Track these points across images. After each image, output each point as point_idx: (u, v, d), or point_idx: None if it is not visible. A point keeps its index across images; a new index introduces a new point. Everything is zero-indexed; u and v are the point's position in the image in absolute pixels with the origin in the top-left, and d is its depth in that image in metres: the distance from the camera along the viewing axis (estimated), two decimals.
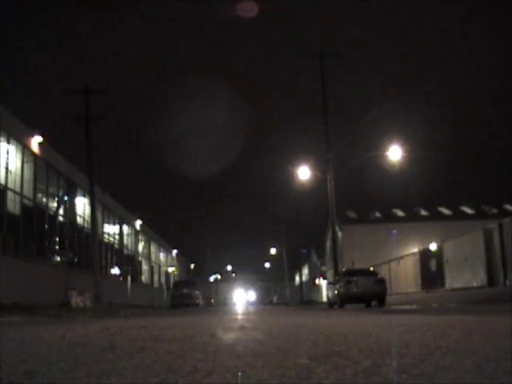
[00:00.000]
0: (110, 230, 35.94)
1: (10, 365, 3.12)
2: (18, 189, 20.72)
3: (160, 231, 50.97)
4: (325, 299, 34.70)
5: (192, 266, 77.46)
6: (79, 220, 28.41)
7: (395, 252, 32.87)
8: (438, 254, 23.84)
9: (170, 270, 56.91)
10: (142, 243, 45.77)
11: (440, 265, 23.44)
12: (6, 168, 19.87)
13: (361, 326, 7.04)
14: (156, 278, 50.06)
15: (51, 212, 24.53)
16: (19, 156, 21.19)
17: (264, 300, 77.88)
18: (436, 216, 45.54)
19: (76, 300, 23.64)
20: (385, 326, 6.67)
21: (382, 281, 21.63)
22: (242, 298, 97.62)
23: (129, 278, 36.15)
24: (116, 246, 36.68)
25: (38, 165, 22.66)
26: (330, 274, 39.97)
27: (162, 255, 54.29)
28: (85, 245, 27.84)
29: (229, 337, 5.40)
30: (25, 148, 21.53)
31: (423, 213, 46.63)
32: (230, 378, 2.55)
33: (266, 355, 3.34)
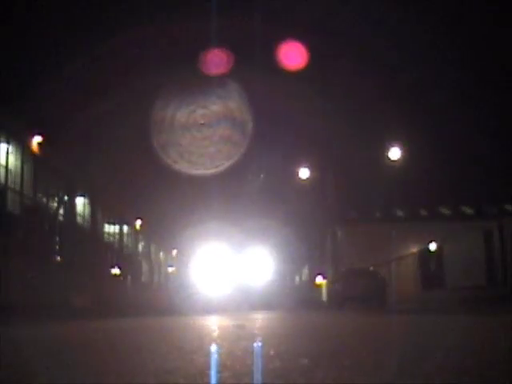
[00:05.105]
0: (110, 229, 35.93)
1: (10, 365, 3.12)
2: (18, 189, 20.73)
3: (160, 231, 50.85)
4: (325, 299, 34.68)
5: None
6: (79, 220, 28.41)
7: (395, 252, 32.83)
8: (438, 254, 23.82)
9: (170, 269, 56.90)
10: (142, 243, 45.76)
11: (440, 265, 23.41)
12: (6, 168, 19.87)
13: (360, 325, 7.04)
14: (156, 278, 50.06)
15: (51, 212, 24.53)
16: (19, 156, 21.20)
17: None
18: (436, 216, 45.46)
19: (76, 300, 23.61)
20: (385, 325, 6.67)
21: (381, 281, 21.61)
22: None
23: (129, 278, 36.15)
24: (116, 245, 36.68)
25: (37, 165, 22.66)
26: (329, 274, 39.94)
27: (161, 255, 54.29)
28: (85, 245, 27.82)
29: (228, 336, 5.39)
30: (25, 148, 21.54)
31: (423, 213, 46.59)
32: (230, 377, 2.54)
33: (266, 355, 3.34)
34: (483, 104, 27.44)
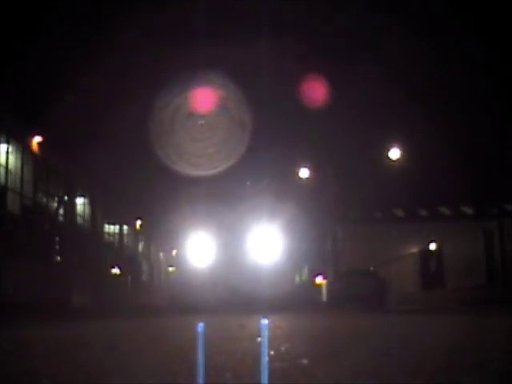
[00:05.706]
0: (110, 229, 35.94)
1: (11, 365, 3.12)
2: (18, 189, 20.73)
3: (160, 231, 50.80)
4: (325, 299, 34.68)
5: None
6: (79, 220, 28.41)
7: (395, 252, 32.84)
8: (438, 253, 23.82)
9: (170, 269, 56.91)
10: (142, 243, 45.77)
11: (440, 265, 23.41)
12: (6, 168, 19.88)
13: (360, 326, 7.04)
14: (156, 277, 50.08)
15: (51, 212, 24.53)
16: (19, 156, 21.20)
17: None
18: (436, 216, 45.46)
19: (76, 300, 23.61)
20: (384, 326, 6.67)
21: (381, 281, 21.63)
22: None
23: (129, 278, 36.15)
24: (116, 245, 36.69)
25: (37, 165, 22.66)
26: (329, 274, 39.94)
27: (161, 255, 54.30)
28: (85, 245, 27.82)
29: (227, 336, 5.39)
30: (25, 148, 21.55)
31: (423, 213, 46.59)
32: (230, 377, 2.54)
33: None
34: (483, 104, 27.46)
